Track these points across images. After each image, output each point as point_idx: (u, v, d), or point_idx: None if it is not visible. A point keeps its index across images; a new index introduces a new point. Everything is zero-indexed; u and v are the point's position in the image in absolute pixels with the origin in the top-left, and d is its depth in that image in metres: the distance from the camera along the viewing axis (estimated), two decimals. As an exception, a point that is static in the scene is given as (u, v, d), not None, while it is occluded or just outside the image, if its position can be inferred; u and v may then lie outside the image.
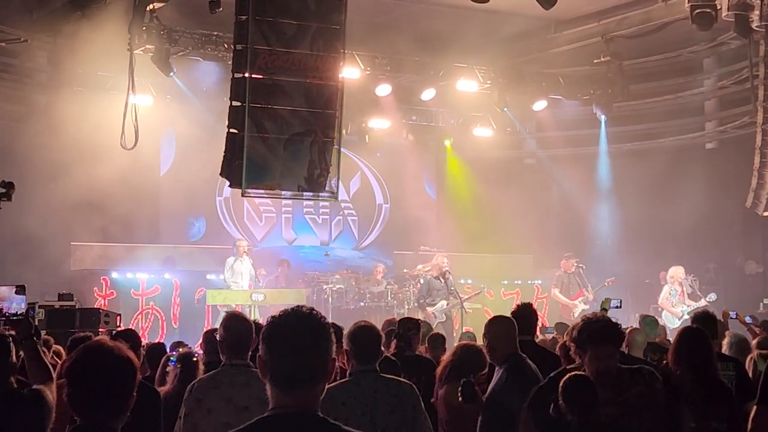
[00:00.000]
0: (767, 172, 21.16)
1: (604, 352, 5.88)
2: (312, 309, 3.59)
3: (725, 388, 6.33)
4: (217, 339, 6.54)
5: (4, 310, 6.50)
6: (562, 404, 5.65)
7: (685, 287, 19.65)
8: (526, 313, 8.72)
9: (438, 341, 10.82)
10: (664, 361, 6.08)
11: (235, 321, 6.45)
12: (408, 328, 9.54)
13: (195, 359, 8.06)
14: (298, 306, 3.58)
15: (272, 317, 3.59)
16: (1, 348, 5.54)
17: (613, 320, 8.58)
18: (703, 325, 7.20)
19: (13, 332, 5.84)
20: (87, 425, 3.84)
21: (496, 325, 7.57)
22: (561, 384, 5.70)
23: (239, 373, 6.17)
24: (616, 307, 10.77)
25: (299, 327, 3.52)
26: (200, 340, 11.97)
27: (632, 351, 9.24)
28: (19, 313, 6.53)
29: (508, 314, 8.33)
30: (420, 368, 9.05)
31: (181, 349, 8.56)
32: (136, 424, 4.08)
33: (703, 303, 19.02)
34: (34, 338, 5.94)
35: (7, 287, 7.32)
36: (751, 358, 8.78)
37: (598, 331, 5.94)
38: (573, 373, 5.86)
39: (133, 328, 17.60)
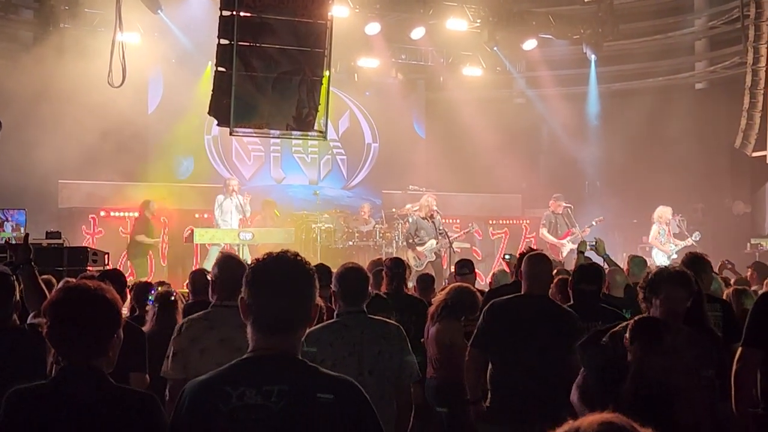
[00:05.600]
0: (756, 113, 21.25)
1: (677, 294, 5.81)
2: (297, 254, 3.58)
3: (714, 336, 6.33)
4: (210, 279, 6.48)
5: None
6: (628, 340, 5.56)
7: (672, 227, 19.68)
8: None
9: (427, 281, 10.89)
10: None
11: (229, 261, 6.28)
12: (400, 267, 9.58)
13: (173, 299, 8.05)
14: (283, 250, 3.57)
15: (256, 260, 3.59)
16: (5, 286, 5.57)
17: (592, 261, 8.59)
18: (693, 268, 7.13)
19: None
20: (71, 366, 3.85)
21: (535, 264, 7.51)
22: (633, 322, 5.61)
23: (233, 315, 6.12)
24: (592, 247, 10.90)
25: (283, 272, 3.52)
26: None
27: (612, 291, 9.33)
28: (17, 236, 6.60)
29: (496, 253, 8.31)
30: (412, 308, 9.13)
31: (160, 288, 8.55)
32: (120, 364, 4.09)
33: (689, 242, 19.07)
34: (32, 263, 5.98)
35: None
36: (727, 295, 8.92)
37: (674, 275, 5.92)
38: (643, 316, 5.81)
39: (121, 267, 17.63)
